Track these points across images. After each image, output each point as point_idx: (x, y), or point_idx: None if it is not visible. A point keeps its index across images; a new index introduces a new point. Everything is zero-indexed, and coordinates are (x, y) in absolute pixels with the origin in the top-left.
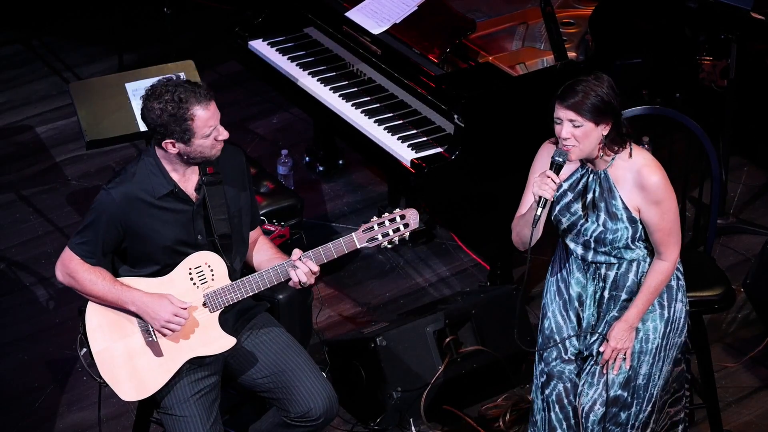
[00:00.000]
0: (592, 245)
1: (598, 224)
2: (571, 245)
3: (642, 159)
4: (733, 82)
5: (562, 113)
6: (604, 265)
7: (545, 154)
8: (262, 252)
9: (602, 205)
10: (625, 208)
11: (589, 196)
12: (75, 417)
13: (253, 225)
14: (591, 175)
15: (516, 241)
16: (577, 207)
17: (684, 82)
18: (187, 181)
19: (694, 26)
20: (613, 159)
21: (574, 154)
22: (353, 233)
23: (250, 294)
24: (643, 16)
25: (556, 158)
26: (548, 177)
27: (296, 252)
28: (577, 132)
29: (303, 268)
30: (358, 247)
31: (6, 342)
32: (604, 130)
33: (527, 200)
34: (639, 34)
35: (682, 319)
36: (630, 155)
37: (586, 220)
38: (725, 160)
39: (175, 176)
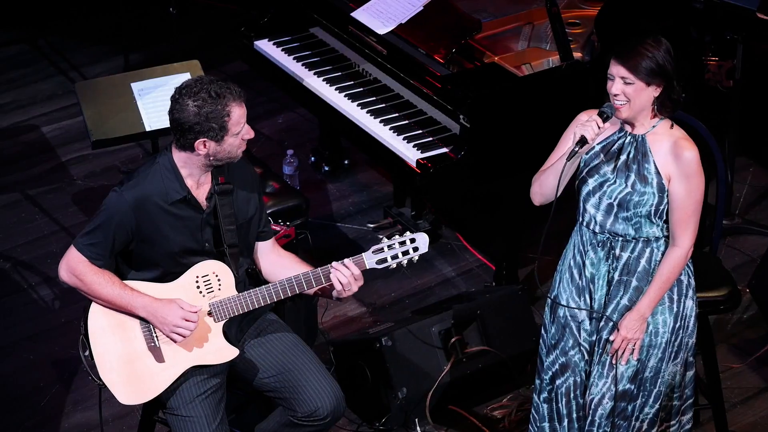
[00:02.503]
0: (614, 209)
1: (627, 185)
2: (592, 210)
3: (682, 133)
4: (739, 83)
5: (614, 69)
6: (620, 241)
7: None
8: (288, 268)
9: (634, 167)
10: (657, 173)
11: (623, 157)
12: (80, 417)
13: (266, 235)
14: (628, 138)
15: (536, 192)
16: (607, 170)
17: (690, 83)
18: (200, 188)
19: (700, 26)
20: (654, 126)
21: (623, 111)
22: (363, 254)
23: (256, 306)
24: (649, 16)
25: (605, 109)
26: (594, 121)
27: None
28: (627, 89)
29: (345, 271)
30: (367, 267)
31: (11, 341)
32: (655, 91)
33: (554, 156)
34: (644, 34)
35: (692, 318)
36: (671, 126)
37: (614, 182)
38: (731, 161)
39: (189, 182)
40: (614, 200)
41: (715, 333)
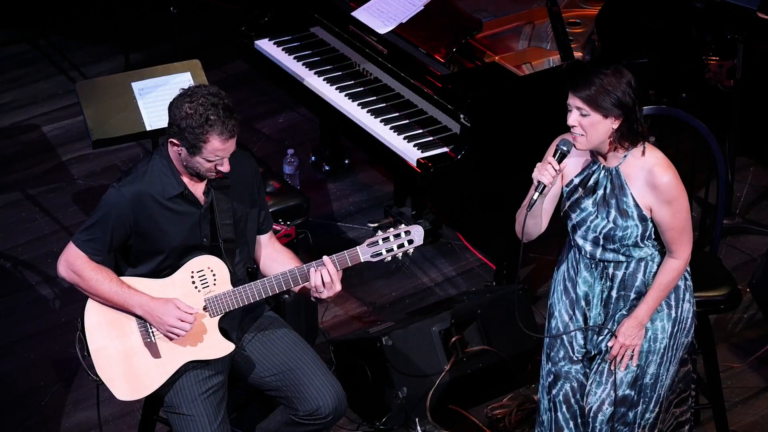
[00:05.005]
0: (601, 242)
1: (608, 221)
2: (580, 242)
3: (654, 158)
4: (740, 82)
5: (571, 101)
6: (612, 264)
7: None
8: (280, 263)
9: (613, 201)
10: (636, 205)
11: (600, 192)
12: (80, 416)
13: (265, 228)
14: (602, 171)
15: (517, 230)
16: (588, 203)
17: (690, 82)
18: (197, 184)
19: (701, 26)
20: (625, 156)
21: (580, 143)
22: (357, 247)
23: (251, 302)
24: (650, 16)
25: (561, 146)
26: (549, 163)
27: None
28: (583, 121)
29: (331, 269)
30: (362, 261)
31: (12, 341)
32: (613, 123)
33: (523, 213)
34: (645, 34)
35: (689, 319)
36: (643, 153)
37: (597, 217)
38: (731, 161)
39: (185, 178)
40: (599, 234)
41: (715, 332)
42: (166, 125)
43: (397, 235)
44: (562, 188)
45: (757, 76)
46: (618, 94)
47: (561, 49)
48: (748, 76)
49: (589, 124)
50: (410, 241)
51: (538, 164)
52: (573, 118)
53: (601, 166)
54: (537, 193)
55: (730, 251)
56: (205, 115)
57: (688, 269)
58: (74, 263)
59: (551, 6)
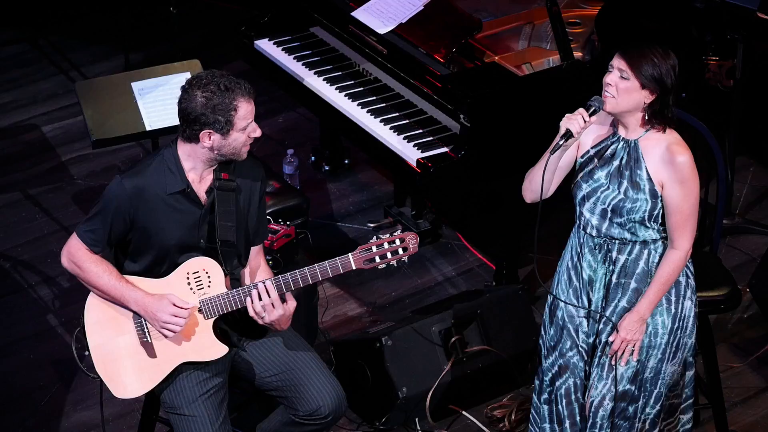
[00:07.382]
0: (609, 215)
1: (619, 192)
2: (587, 215)
3: (674, 137)
4: (740, 82)
5: (616, 61)
6: (617, 244)
7: None
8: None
9: (627, 173)
10: (649, 179)
11: (615, 162)
12: (80, 416)
13: (258, 240)
14: (621, 143)
15: (526, 188)
16: (601, 174)
17: (690, 82)
18: (201, 183)
19: (701, 26)
20: (646, 131)
21: (609, 104)
22: (350, 254)
23: (244, 305)
24: (650, 15)
25: (593, 102)
26: (580, 114)
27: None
28: (621, 84)
29: (264, 296)
30: (354, 268)
31: (11, 341)
32: (647, 97)
33: (547, 154)
34: (645, 34)
35: (691, 318)
36: (664, 131)
37: (608, 188)
38: (731, 160)
39: (191, 176)
40: (608, 206)
41: (715, 332)
42: (186, 125)
43: (392, 242)
44: (577, 159)
45: (757, 76)
46: (662, 69)
47: (561, 49)
48: (748, 76)
49: (624, 89)
50: (405, 249)
51: (567, 114)
52: (612, 77)
53: (621, 137)
54: (562, 140)
55: (730, 251)
56: (221, 86)
57: (691, 268)
58: (75, 254)
59: (551, 6)
